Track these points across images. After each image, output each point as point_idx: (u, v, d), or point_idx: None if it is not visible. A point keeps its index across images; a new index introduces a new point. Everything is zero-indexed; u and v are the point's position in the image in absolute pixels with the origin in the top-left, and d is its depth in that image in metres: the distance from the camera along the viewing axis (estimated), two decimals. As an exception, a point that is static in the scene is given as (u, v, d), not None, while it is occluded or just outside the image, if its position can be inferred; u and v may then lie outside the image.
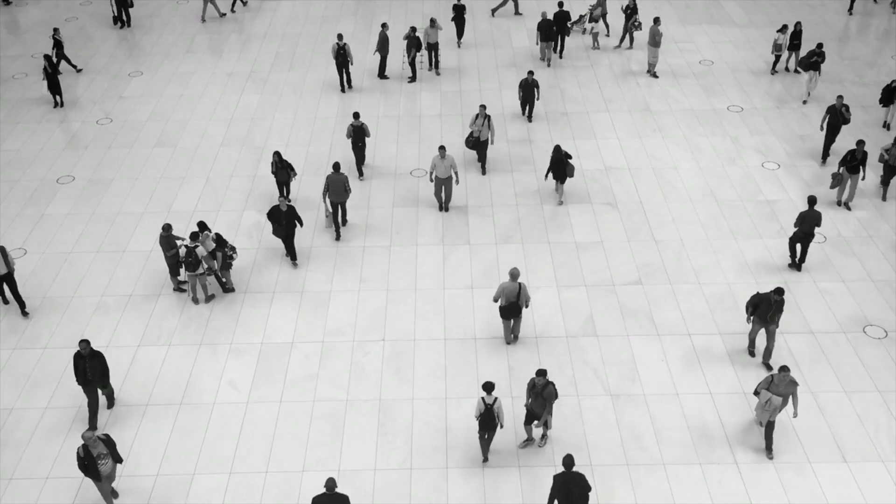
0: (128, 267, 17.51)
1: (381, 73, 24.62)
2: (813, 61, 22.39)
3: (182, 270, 16.99)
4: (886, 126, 21.66)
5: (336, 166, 17.58)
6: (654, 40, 23.81)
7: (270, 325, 15.96)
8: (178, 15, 29.13)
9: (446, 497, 12.74)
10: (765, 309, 14.38)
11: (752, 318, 14.67)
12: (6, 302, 16.45)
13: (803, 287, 16.67)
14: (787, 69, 24.71)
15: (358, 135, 19.52)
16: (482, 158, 19.89)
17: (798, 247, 17.86)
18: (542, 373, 12.67)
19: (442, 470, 13.16)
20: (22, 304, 16.12)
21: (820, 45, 22.31)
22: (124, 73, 25.25)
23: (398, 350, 15.39)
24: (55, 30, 24.56)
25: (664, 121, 22.40)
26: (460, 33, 26.58)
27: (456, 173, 18.05)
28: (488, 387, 12.56)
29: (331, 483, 11.22)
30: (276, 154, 18.30)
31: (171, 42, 27.18)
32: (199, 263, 15.87)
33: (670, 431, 13.75)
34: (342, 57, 23.43)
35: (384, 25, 23.81)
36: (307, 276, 17.16)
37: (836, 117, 19.77)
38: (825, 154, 20.22)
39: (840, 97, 19.62)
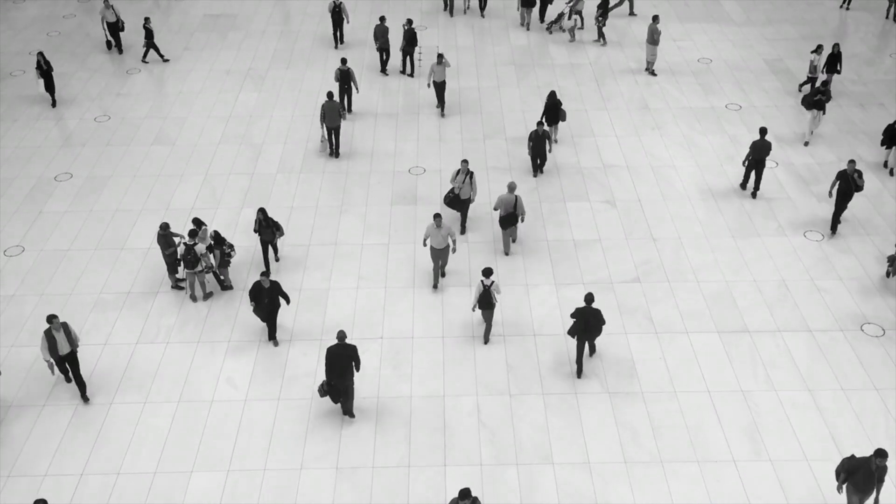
0: (126, 264, 17.49)
1: (383, 69, 24.70)
2: (817, 100, 20.31)
3: (180, 268, 17.00)
4: (890, 171, 19.83)
5: (329, 95, 20.30)
6: (653, 38, 23.80)
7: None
8: (175, 12, 29.10)
9: (444, 495, 12.75)
10: (864, 478, 11.38)
11: (844, 487, 11.78)
12: (69, 380, 14.60)
13: (801, 285, 16.69)
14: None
15: (344, 78, 22.10)
16: (464, 219, 18.05)
17: (752, 174, 19.80)
18: (465, 493, 10.59)
19: (440, 468, 13.16)
20: (83, 387, 14.14)
21: (825, 83, 20.66)
22: (122, 70, 25.22)
23: (396, 348, 15.39)
24: (146, 19, 25.03)
25: (662, 119, 22.40)
26: (483, 3, 27.57)
27: (454, 242, 16.11)
28: (487, 272, 14.65)
29: (342, 334, 13.32)
30: (261, 211, 16.40)
31: (168, 39, 27.15)
32: (197, 261, 15.86)
33: (668, 429, 13.77)
34: (338, 15, 25.54)
35: (382, 18, 24.08)
36: (305, 273, 17.16)
37: (848, 184, 17.28)
38: (835, 223, 17.71)
39: (852, 162, 17.25)
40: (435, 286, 16.57)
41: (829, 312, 16.04)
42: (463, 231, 18.13)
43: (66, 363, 14.01)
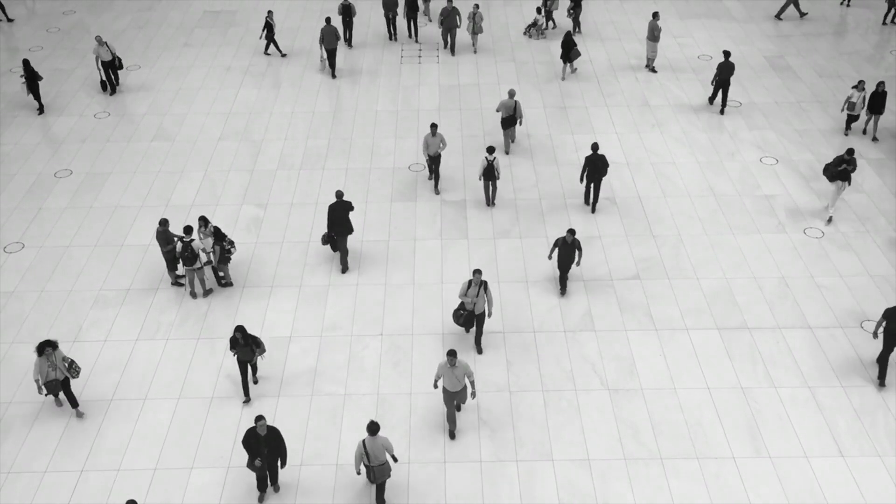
0: (126, 261, 17.50)
1: (392, 36, 26.31)
2: (842, 170, 17.82)
3: (180, 265, 17.00)
4: None
5: (328, 20, 23.37)
6: (653, 35, 23.78)
7: (268, 320, 15.95)
8: (175, 8, 29.07)
9: (444, 491, 12.76)
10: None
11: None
12: None
13: (801, 282, 16.69)
14: (868, 134, 21.42)
15: (346, 12, 25.37)
16: (479, 335, 15.03)
17: (720, 93, 22.32)
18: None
19: (440, 464, 13.17)
20: None
21: (850, 151, 17.65)
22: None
23: (396, 344, 15.39)
24: (269, 12, 25.21)
25: (663, 116, 22.39)
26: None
27: (472, 383, 13.08)
28: (490, 149, 17.62)
29: (339, 193, 16.22)
30: (239, 329, 13.60)
31: (168, 35, 27.12)
32: (196, 258, 15.86)
33: (668, 426, 13.78)
34: None
35: None
36: (305, 270, 17.16)
37: None
38: (883, 370, 14.36)
39: None
40: (452, 435, 13.63)
41: (829, 309, 16.04)
42: (479, 350, 15.18)
43: None
